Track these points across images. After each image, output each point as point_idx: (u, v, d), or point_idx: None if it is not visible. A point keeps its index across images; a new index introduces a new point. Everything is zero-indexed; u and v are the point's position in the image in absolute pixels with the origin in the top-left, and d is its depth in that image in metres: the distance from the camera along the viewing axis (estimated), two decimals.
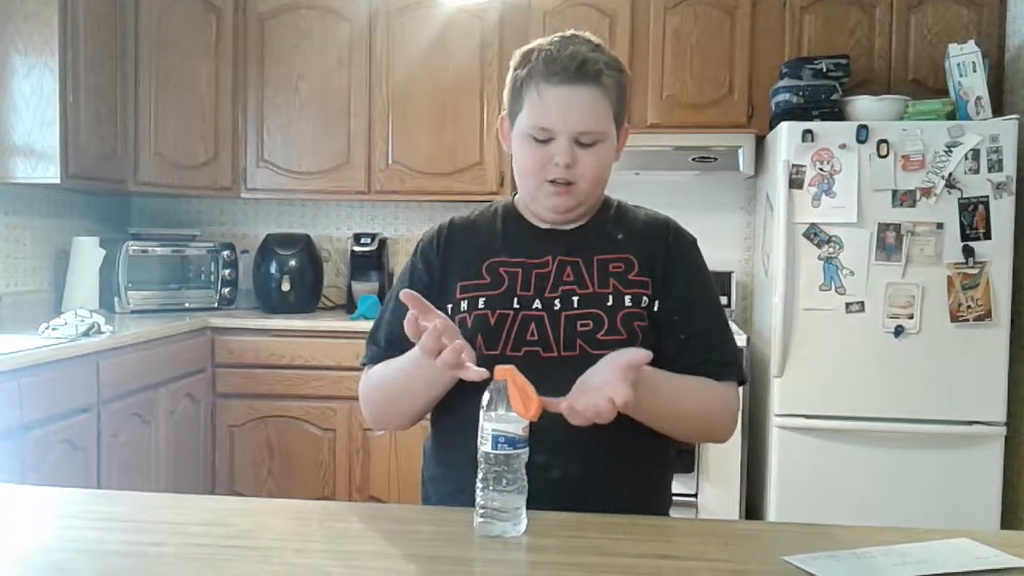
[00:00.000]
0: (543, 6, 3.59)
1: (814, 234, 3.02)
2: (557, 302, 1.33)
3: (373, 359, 1.42)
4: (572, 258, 1.36)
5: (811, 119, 3.10)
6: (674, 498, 1.48)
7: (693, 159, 3.49)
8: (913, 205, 2.96)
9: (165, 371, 3.14)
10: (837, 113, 3.17)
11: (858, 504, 2.98)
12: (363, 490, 3.46)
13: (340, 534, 1.12)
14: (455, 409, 1.32)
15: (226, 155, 3.75)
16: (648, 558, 1.05)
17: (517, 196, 1.44)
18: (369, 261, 3.83)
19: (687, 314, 1.36)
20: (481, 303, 1.34)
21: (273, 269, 3.72)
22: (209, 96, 3.69)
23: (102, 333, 2.78)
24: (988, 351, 2.95)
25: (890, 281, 2.98)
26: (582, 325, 1.31)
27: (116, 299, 3.49)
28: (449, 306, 1.36)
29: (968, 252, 2.93)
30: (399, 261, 3.95)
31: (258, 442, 3.48)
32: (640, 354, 1.16)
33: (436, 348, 1.15)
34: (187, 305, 3.66)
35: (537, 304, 1.33)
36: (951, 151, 2.93)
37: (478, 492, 1.10)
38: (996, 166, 2.92)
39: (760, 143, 3.52)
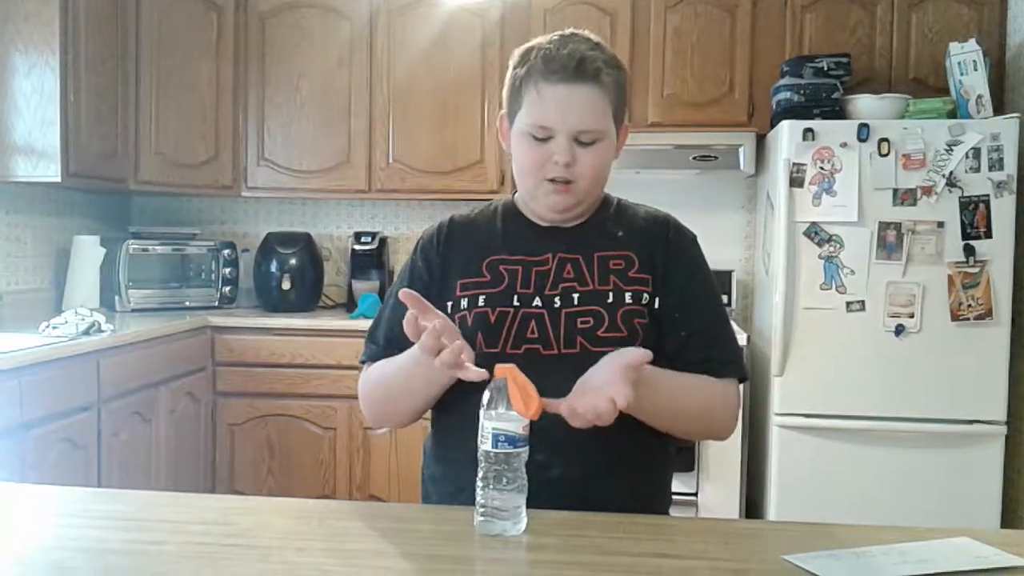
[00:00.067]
0: (544, 5, 3.58)
1: (815, 233, 3.01)
2: (557, 299, 1.33)
3: (372, 357, 1.42)
4: (572, 255, 1.36)
5: (812, 118, 3.10)
6: (674, 497, 1.48)
7: (694, 158, 3.49)
8: (914, 204, 2.96)
9: (165, 370, 3.14)
10: (838, 112, 3.16)
11: (858, 503, 2.98)
12: (363, 489, 3.46)
13: (340, 533, 1.12)
14: (455, 408, 1.32)
15: (227, 154, 3.75)
16: (648, 557, 1.05)
17: (517, 194, 1.44)
18: (369, 260, 3.83)
19: (688, 311, 1.35)
20: (481, 301, 1.34)
21: (274, 268, 3.72)
22: (210, 95, 3.69)
23: (102, 332, 2.78)
24: (989, 350, 2.95)
25: (891, 280, 2.97)
26: (582, 322, 1.31)
27: (117, 298, 3.49)
28: (449, 304, 1.36)
29: (969, 251, 2.93)
30: (399, 260, 3.95)
31: (258, 441, 3.48)
32: (640, 354, 1.16)
33: (435, 348, 1.15)
34: (187, 304, 3.66)
35: (537, 302, 1.33)
36: (952, 150, 2.93)
37: (478, 491, 1.09)
38: (997, 165, 2.91)
39: (761, 142, 3.52)
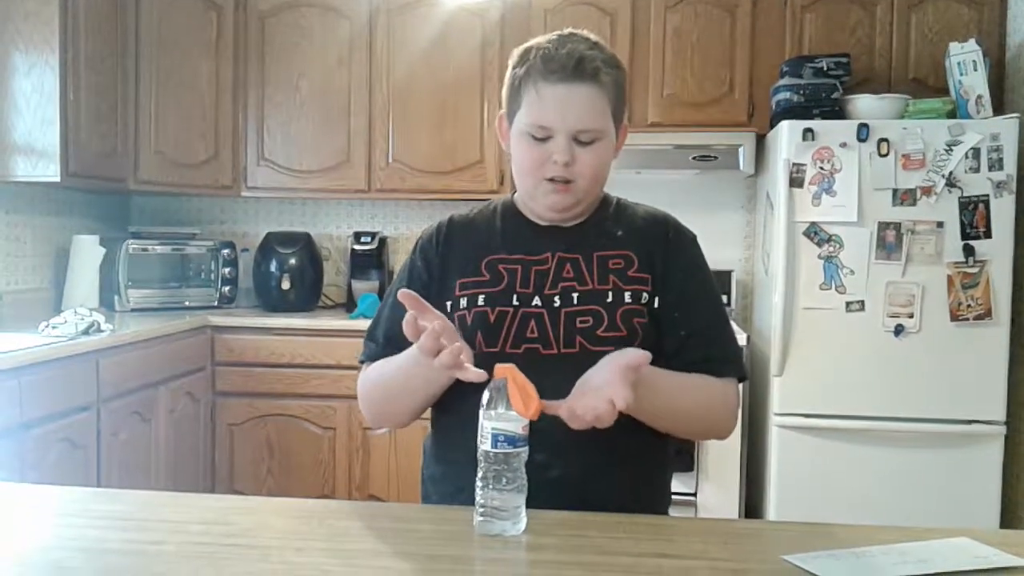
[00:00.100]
0: (544, 4, 3.58)
1: (814, 233, 3.02)
2: (557, 299, 1.33)
3: (371, 356, 1.42)
4: (572, 255, 1.36)
5: (812, 118, 3.10)
6: (673, 497, 1.48)
7: (693, 158, 3.49)
8: (913, 204, 2.96)
9: (165, 369, 3.14)
10: (838, 112, 3.16)
11: (858, 503, 2.98)
12: (363, 489, 3.46)
13: (340, 533, 1.12)
14: (455, 408, 1.32)
15: (226, 153, 3.75)
16: (648, 557, 1.05)
17: (516, 194, 1.44)
18: (369, 260, 3.83)
19: (687, 310, 1.35)
20: (480, 300, 1.34)
21: (273, 267, 3.72)
22: (209, 94, 3.69)
23: (102, 331, 2.78)
24: (988, 350, 2.95)
25: (890, 280, 2.97)
26: (582, 322, 1.31)
27: (116, 297, 3.49)
28: (448, 303, 1.36)
29: (968, 251, 2.93)
30: (399, 259, 3.95)
31: (258, 441, 3.48)
32: (639, 355, 1.16)
33: (434, 350, 1.15)
34: (187, 303, 3.66)
35: (536, 301, 1.33)
36: (951, 150, 2.93)
37: (478, 491, 1.09)
38: (996, 165, 2.91)
39: (760, 142, 3.52)
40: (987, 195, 2.92)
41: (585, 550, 1.06)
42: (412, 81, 3.68)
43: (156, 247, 3.61)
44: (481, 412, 1.09)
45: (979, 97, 3.02)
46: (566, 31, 1.34)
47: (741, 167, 3.48)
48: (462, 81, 3.66)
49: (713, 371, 1.35)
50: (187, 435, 3.30)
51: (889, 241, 2.97)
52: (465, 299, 1.35)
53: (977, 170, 2.92)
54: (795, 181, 3.01)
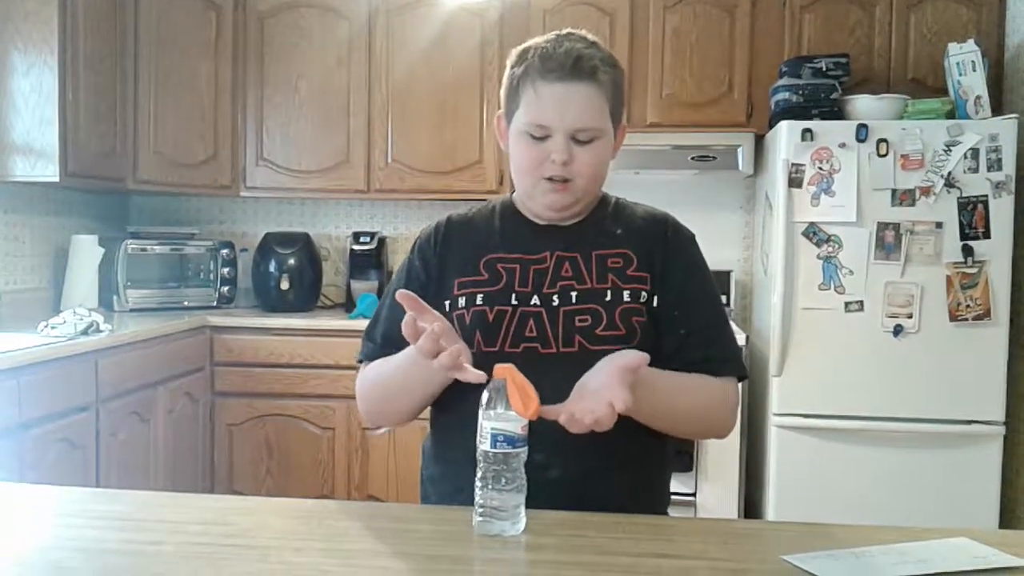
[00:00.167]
0: (543, 5, 3.58)
1: (813, 233, 3.02)
2: (555, 298, 1.33)
3: (369, 356, 1.42)
4: (570, 254, 1.36)
5: (810, 118, 3.10)
6: (673, 497, 1.48)
7: (692, 158, 3.49)
8: (912, 204, 2.96)
9: (164, 370, 3.13)
10: (836, 112, 3.17)
11: (857, 503, 2.98)
12: (362, 489, 3.46)
13: (339, 533, 1.12)
14: (454, 408, 1.32)
15: (225, 153, 3.75)
16: (648, 557, 1.05)
17: (515, 193, 1.44)
18: (368, 260, 3.83)
19: (686, 309, 1.35)
20: (479, 300, 1.34)
21: (272, 268, 3.72)
22: (208, 94, 3.69)
23: (101, 332, 2.78)
24: (987, 350, 2.95)
25: (889, 280, 2.98)
26: (580, 321, 1.31)
27: (115, 297, 3.49)
28: (447, 303, 1.35)
29: (967, 251, 2.93)
30: (398, 260, 3.92)
31: (257, 441, 3.48)
32: (637, 356, 1.16)
33: (433, 352, 1.15)
34: (186, 304, 3.66)
35: (535, 300, 1.33)
36: (950, 150, 2.93)
37: (477, 491, 1.09)
38: (995, 165, 2.92)
39: (759, 142, 3.52)
40: (986, 195, 2.92)
41: (584, 550, 1.06)
42: (411, 81, 3.68)
43: (155, 247, 3.61)
44: (480, 412, 1.09)
45: (978, 97, 3.02)
46: (564, 31, 1.34)
47: (740, 167, 3.48)
48: (461, 81, 3.66)
49: (712, 370, 1.34)
50: (186, 435, 3.30)
51: (888, 241, 2.97)
52: (463, 298, 1.35)
53: (976, 170, 2.92)
54: (794, 181, 3.01)
